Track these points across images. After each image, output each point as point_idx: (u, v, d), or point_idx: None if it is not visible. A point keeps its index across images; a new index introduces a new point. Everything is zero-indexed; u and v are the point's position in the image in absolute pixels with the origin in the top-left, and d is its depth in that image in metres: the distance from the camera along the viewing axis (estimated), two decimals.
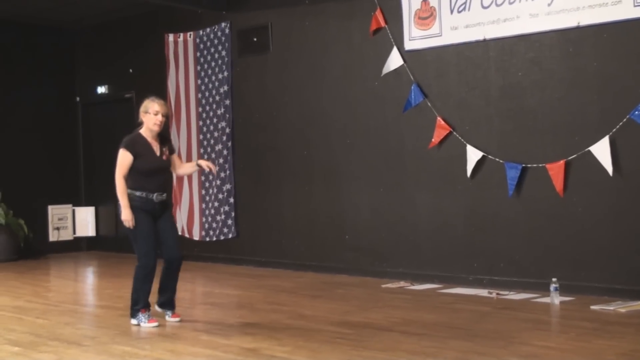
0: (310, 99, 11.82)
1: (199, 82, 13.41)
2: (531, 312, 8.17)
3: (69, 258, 14.99)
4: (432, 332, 7.26)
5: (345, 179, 11.33)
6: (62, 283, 12.14)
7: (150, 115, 7.99)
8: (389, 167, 10.82)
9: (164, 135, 8.30)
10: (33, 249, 14.96)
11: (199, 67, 13.42)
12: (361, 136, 11.12)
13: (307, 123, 11.87)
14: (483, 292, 9.40)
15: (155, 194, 8.02)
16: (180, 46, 13.70)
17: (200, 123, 13.39)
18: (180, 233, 13.64)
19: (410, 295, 9.57)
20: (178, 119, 13.72)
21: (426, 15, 10.30)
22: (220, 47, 13.03)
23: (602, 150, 8.76)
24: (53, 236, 15.67)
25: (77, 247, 15.98)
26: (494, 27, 9.69)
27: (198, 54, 13.41)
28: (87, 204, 16.03)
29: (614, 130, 8.70)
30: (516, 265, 9.60)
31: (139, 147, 7.99)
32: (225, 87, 12.96)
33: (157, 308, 8.26)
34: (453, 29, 10.08)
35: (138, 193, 7.97)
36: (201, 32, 13.33)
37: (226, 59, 12.95)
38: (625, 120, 8.62)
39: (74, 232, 15.96)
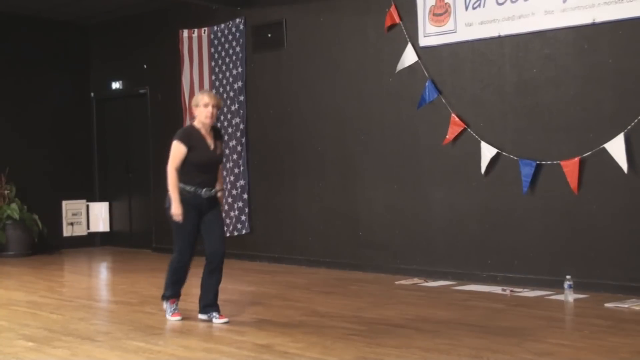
0: (324, 95, 11.81)
1: (213, 77, 13.41)
2: (545, 310, 8.15)
3: (82, 253, 15.03)
4: (445, 329, 7.25)
5: (359, 175, 11.32)
6: (76, 278, 12.18)
7: (201, 108, 7.83)
8: (403, 163, 10.81)
9: (217, 129, 8.14)
10: (47, 244, 15.00)
11: (213, 63, 13.42)
12: (375, 132, 11.11)
13: (321, 119, 11.86)
14: (497, 289, 9.38)
15: (204, 189, 7.82)
16: (194, 42, 13.70)
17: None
18: None
19: (424, 292, 9.56)
20: (192, 114, 13.69)
21: (441, 12, 10.28)
22: (234, 43, 13.03)
23: (617, 148, 8.73)
24: (67, 231, 15.70)
25: (91, 242, 16.02)
26: (509, 24, 9.66)
27: (212, 49, 13.42)
28: (101, 199, 16.04)
29: (629, 127, 8.67)
30: (530, 263, 9.58)
31: (193, 140, 7.81)
32: (240, 83, 12.96)
33: (200, 316, 8.03)
34: (468, 26, 10.05)
35: (188, 187, 7.75)
36: (215, 28, 13.34)
37: (240, 54, 12.95)
38: None
39: (88, 228, 15.99)
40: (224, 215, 13.11)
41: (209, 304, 8.00)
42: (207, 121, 7.84)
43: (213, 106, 7.83)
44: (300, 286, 10.21)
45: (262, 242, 12.83)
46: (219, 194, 8.10)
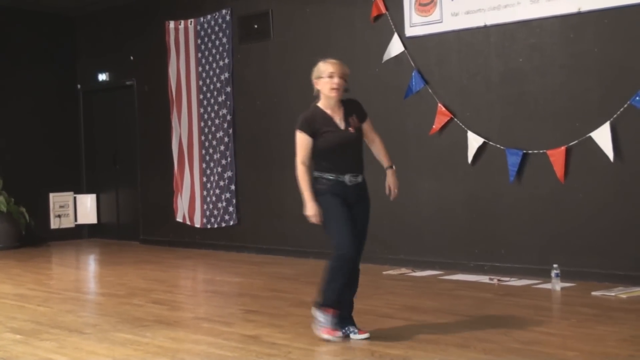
0: (311, 86, 11.64)
1: (200, 69, 13.39)
2: (532, 299, 8.18)
3: (70, 246, 15.01)
4: (433, 319, 7.27)
5: None
6: (63, 271, 12.17)
7: (325, 79, 6.71)
8: (390, 153, 10.77)
9: (350, 102, 6.89)
10: (34, 237, 14.98)
11: (199, 54, 13.40)
12: None
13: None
14: (484, 279, 9.40)
15: (347, 176, 6.59)
16: (181, 33, 13.67)
17: (201, 110, 13.37)
18: (181, 220, 13.68)
19: (411, 282, 9.58)
20: (179, 106, 13.70)
21: (427, 2, 10.28)
22: (221, 34, 13.01)
23: (603, 136, 8.75)
24: (54, 224, 15.67)
25: (79, 234, 15.99)
26: (495, 13, 9.67)
27: (199, 41, 13.39)
28: (88, 191, 16.01)
29: (615, 116, 8.69)
30: (517, 252, 9.61)
31: (317, 124, 6.67)
32: (226, 74, 12.94)
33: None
34: (454, 15, 10.06)
35: (328, 175, 6.57)
36: (202, 19, 13.31)
37: (227, 46, 12.93)
38: (626, 106, 8.60)
39: (76, 220, 15.96)
40: (211, 207, 13.24)
41: (343, 316, 6.62)
42: (333, 94, 6.69)
43: (339, 76, 6.70)
44: (288, 277, 10.22)
45: (249, 233, 12.82)
46: (389, 172, 6.96)
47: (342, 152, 6.65)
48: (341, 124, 6.69)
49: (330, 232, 6.56)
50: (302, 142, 6.67)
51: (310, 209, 6.53)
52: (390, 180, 6.94)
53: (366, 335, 6.53)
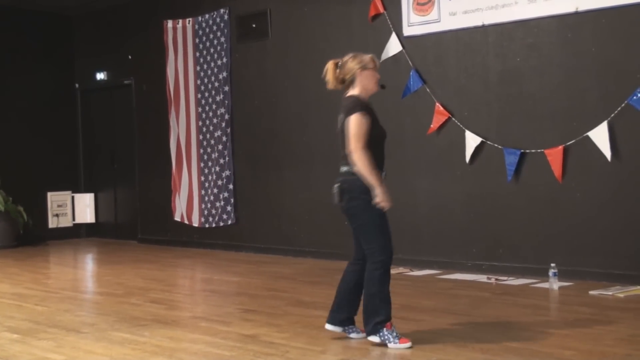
0: (309, 85, 11.80)
1: (198, 68, 13.39)
2: (530, 298, 8.19)
3: (68, 245, 15.00)
4: (431, 318, 7.28)
5: None
6: (61, 270, 12.16)
7: (371, 72, 6.37)
8: (387, 153, 10.70)
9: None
10: (32, 236, 14.97)
11: (197, 54, 13.40)
12: None
13: (306, 109, 11.86)
14: (482, 278, 9.41)
15: (384, 172, 6.43)
16: (179, 32, 13.67)
17: (200, 109, 13.37)
18: (179, 219, 13.69)
19: (409, 281, 9.59)
20: (177, 105, 13.70)
21: (425, 1, 10.28)
22: (219, 34, 13.01)
23: (600, 136, 8.76)
24: (52, 223, 15.67)
25: (77, 233, 15.99)
26: (493, 13, 9.67)
27: (197, 40, 13.39)
28: (86, 190, 16.01)
29: (613, 115, 8.69)
30: (515, 251, 9.62)
31: (373, 112, 6.36)
32: (224, 74, 12.94)
33: (329, 327, 6.56)
34: (452, 15, 10.06)
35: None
36: (200, 19, 13.31)
37: (225, 45, 12.92)
38: (623, 105, 8.61)
39: (74, 219, 15.95)
40: (209, 206, 13.25)
41: (347, 319, 6.55)
42: (377, 89, 6.46)
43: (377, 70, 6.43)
44: (285, 276, 10.22)
45: (247, 233, 12.83)
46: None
47: (382, 147, 6.45)
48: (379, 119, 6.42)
49: (375, 236, 6.28)
50: (364, 125, 6.20)
51: (381, 194, 6.15)
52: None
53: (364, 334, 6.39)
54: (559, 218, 9.24)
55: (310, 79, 11.76)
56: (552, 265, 8.66)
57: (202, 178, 13.37)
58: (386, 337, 6.18)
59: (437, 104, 10.18)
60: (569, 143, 9.06)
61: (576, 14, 9.02)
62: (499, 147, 9.64)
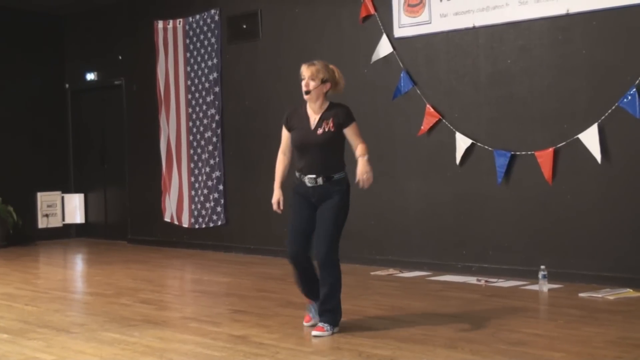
0: (299, 86, 11.67)
1: (189, 69, 13.38)
2: (520, 300, 8.19)
3: (58, 245, 14.98)
4: (420, 320, 7.28)
5: None
6: (51, 270, 12.13)
7: (302, 82, 6.94)
8: (378, 154, 10.79)
9: (337, 105, 7.00)
10: (22, 236, 14.93)
11: (188, 54, 13.39)
12: None
13: None
14: (472, 280, 9.42)
15: (306, 177, 6.84)
16: (169, 33, 13.66)
17: (190, 110, 13.36)
18: (169, 220, 13.67)
19: (399, 282, 9.59)
20: (167, 106, 13.69)
21: (415, 3, 10.29)
22: (209, 34, 13.00)
23: (591, 138, 8.77)
24: (42, 223, 15.63)
25: (66, 234, 15.97)
26: (484, 15, 9.69)
27: (187, 41, 13.38)
28: (76, 190, 15.98)
29: (603, 117, 8.71)
30: (505, 253, 9.62)
31: (294, 120, 6.95)
32: (215, 74, 12.93)
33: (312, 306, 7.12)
34: (442, 16, 10.07)
35: (296, 173, 6.94)
36: (190, 19, 13.30)
37: (215, 46, 12.92)
38: (614, 107, 8.63)
39: (63, 219, 15.93)
40: (199, 207, 13.23)
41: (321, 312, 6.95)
42: (305, 97, 6.95)
43: (310, 78, 6.92)
44: (275, 277, 10.22)
45: (237, 233, 12.82)
46: (359, 160, 6.78)
47: (305, 152, 6.87)
48: (313, 124, 6.86)
49: (337, 235, 6.95)
50: (283, 134, 7.07)
51: (274, 196, 7.01)
52: (358, 168, 6.78)
53: (320, 332, 6.70)
54: (549, 220, 9.25)
55: (300, 80, 11.75)
56: (542, 267, 8.67)
57: (192, 179, 13.36)
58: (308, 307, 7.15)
59: (428, 105, 10.19)
60: (559, 145, 9.07)
61: (567, 16, 9.04)
62: (489, 148, 9.65)
